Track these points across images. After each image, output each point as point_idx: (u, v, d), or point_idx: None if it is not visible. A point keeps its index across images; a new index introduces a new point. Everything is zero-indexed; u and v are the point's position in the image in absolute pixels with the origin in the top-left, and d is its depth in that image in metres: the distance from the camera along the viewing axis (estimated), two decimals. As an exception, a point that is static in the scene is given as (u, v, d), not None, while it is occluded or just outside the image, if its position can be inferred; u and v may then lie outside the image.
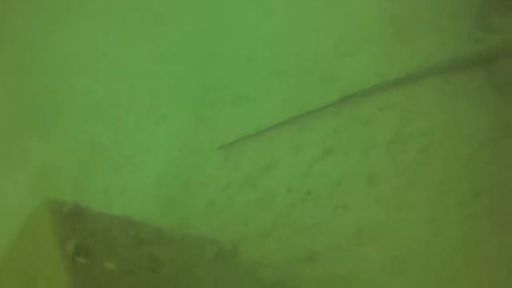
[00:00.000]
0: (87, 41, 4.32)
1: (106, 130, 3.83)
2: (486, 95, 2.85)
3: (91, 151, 3.77)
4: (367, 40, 3.20)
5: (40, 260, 1.90)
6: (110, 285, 1.99)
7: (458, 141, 2.78)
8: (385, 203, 2.77)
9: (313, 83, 3.24)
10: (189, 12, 3.94)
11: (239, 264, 2.89)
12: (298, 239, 2.88)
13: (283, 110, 3.22)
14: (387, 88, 3.04)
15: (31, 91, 4.37)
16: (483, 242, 2.47)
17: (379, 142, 2.92)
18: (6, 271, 2.04)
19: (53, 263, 1.85)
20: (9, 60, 4.62)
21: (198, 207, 3.23)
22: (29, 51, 4.55)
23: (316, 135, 3.09)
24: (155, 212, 3.34)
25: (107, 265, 2.03)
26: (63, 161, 3.80)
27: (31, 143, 4.11)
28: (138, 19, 4.15)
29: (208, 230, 3.09)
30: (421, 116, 2.92)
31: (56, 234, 1.90)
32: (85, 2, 4.47)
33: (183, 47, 3.90)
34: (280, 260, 2.87)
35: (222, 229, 3.06)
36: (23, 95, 4.40)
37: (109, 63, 4.15)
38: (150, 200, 3.41)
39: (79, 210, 2.11)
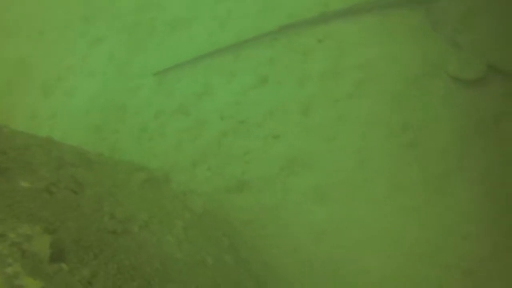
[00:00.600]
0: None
1: (36, 50, 3.62)
2: (423, 33, 2.86)
3: (18, 72, 3.56)
4: (309, -32, 3.11)
5: None
6: (24, 203, 1.91)
7: (391, 76, 2.79)
8: (316, 134, 2.79)
9: (252, 11, 3.15)
10: None
11: (169, 192, 2.86)
12: (228, 168, 2.88)
13: (220, 37, 3.14)
14: (327, 20, 3.00)
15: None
16: (406, 172, 2.55)
17: (315, 74, 2.90)
18: None
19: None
20: None
21: (130, 133, 3.15)
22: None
23: (251, 64, 3.03)
24: (86, 137, 3.23)
25: (22, 184, 1.95)
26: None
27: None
28: None
29: (139, 156, 3.02)
30: (358, 49, 2.91)
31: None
32: None
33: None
34: (210, 189, 2.87)
35: (153, 156, 3.01)
36: None
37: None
38: (81, 125, 3.30)
39: (-11, 126, 1.99)
